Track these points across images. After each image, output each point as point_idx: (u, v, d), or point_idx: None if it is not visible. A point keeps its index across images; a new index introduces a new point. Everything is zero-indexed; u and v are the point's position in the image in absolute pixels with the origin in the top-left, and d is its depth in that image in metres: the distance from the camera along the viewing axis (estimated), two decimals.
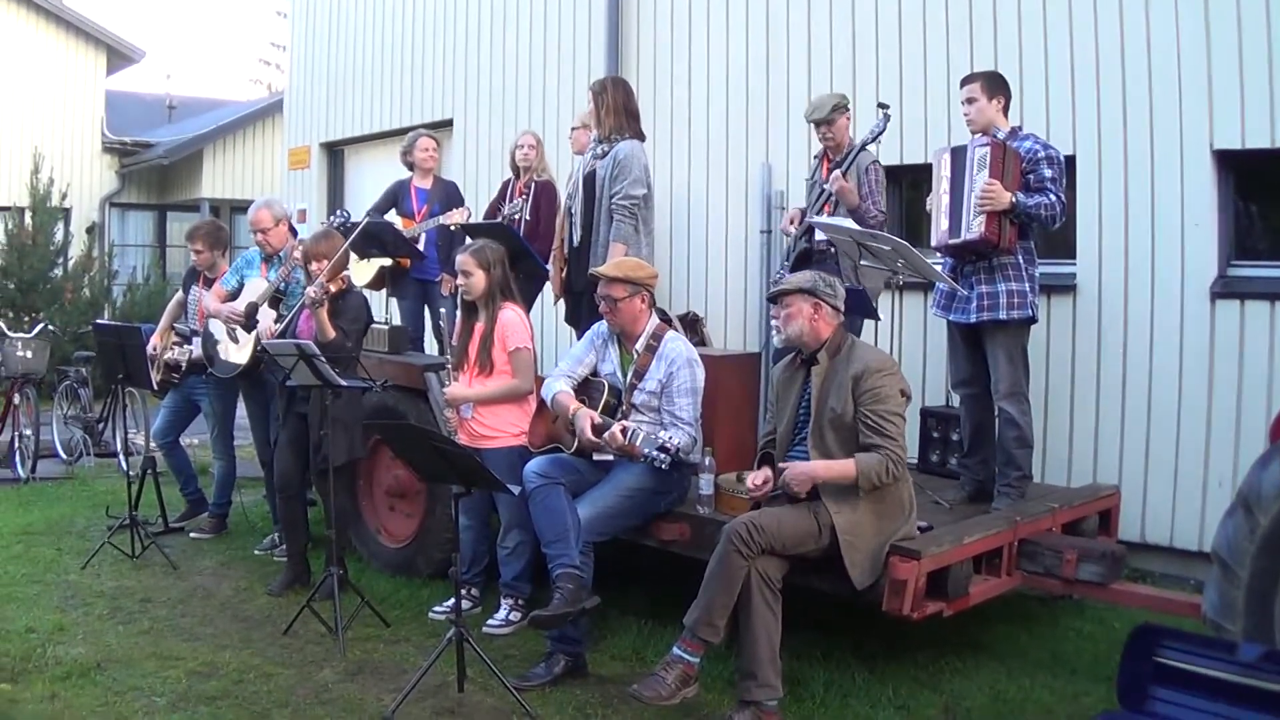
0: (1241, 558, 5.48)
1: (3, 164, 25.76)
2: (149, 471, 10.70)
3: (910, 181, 11.07)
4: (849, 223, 8.69)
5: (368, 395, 9.01)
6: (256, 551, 10.30)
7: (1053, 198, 7.85)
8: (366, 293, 10.19)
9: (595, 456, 7.68)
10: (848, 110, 9.42)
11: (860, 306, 8.49)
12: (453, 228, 10.83)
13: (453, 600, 7.08)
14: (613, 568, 7.90)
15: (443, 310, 9.00)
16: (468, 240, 9.04)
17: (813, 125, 9.43)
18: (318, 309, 8.74)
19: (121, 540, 9.99)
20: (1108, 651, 7.45)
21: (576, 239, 9.79)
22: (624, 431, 7.24)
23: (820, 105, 9.29)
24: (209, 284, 10.67)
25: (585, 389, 7.94)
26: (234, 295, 10.17)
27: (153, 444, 11.32)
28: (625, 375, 7.83)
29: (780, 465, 6.85)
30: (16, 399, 14.18)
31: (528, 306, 9.08)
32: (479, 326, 8.35)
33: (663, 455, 6.99)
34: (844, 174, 8.97)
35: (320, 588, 8.31)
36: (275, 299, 9.93)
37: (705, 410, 7.85)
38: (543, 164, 11.17)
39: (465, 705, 6.88)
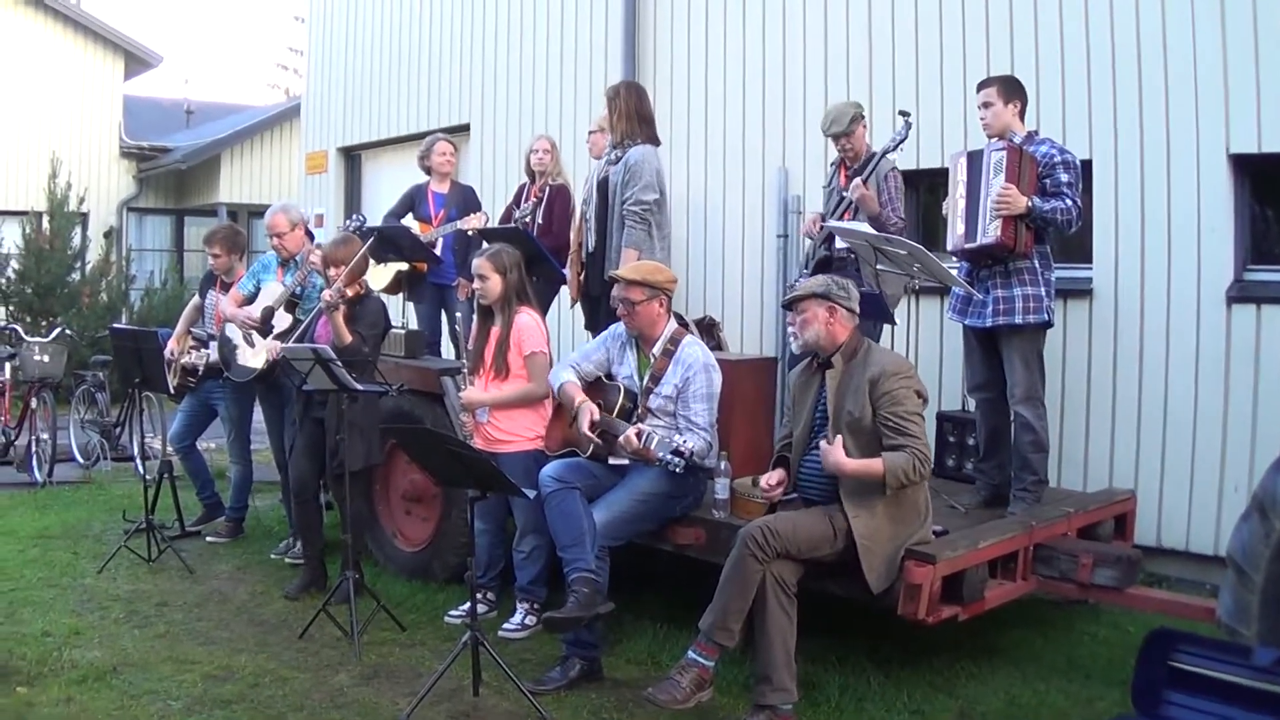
0: (1256, 562, 5.46)
1: (21, 168, 25.86)
2: (166, 475, 10.73)
3: (927, 186, 11.05)
4: (865, 226, 8.70)
5: (384, 400, 9.01)
6: (273, 556, 10.31)
7: (1069, 202, 7.84)
8: (384, 297, 10.19)
9: (611, 460, 7.69)
10: (864, 119, 9.43)
11: (876, 310, 8.49)
12: (470, 233, 10.83)
13: (468, 604, 7.06)
14: (628, 572, 7.91)
15: (459, 315, 9.01)
16: (484, 245, 9.05)
17: (831, 138, 9.44)
18: (334, 313, 8.76)
19: (138, 544, 10.01)
20: (1123, 656, 7.42)
21: (592, 244, 9.80)
22: (639, 435, 7.25)
23: (839, 118, 9.29)
24: (226, 288, 10.70)
25: (601, 391, 7.95)
26: (251, 299, 10.19)
27: (169, 448, 11.33)
28: (642, 379, 7.84)
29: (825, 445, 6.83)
30: (34, 403, 14.23)
31: (544, 311, 9.09)
32: (495, 331, 8.37)
33: (677, 459, 6.99)
34: (864, 181, 8.98)
35: (336, 592, 8.31)
36: (291, 303, 9.94)
37: (721, 414, 7.85)
38: (558, 168, 11.17)
39: (480, 709, 6.89)
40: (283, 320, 9.85)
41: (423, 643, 8.08)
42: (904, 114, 9.07)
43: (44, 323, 19.15)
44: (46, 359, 14.44)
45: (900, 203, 9.25)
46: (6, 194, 26.01)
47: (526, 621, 8.17)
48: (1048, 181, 7.91)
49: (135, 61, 29.28)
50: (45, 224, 21.24)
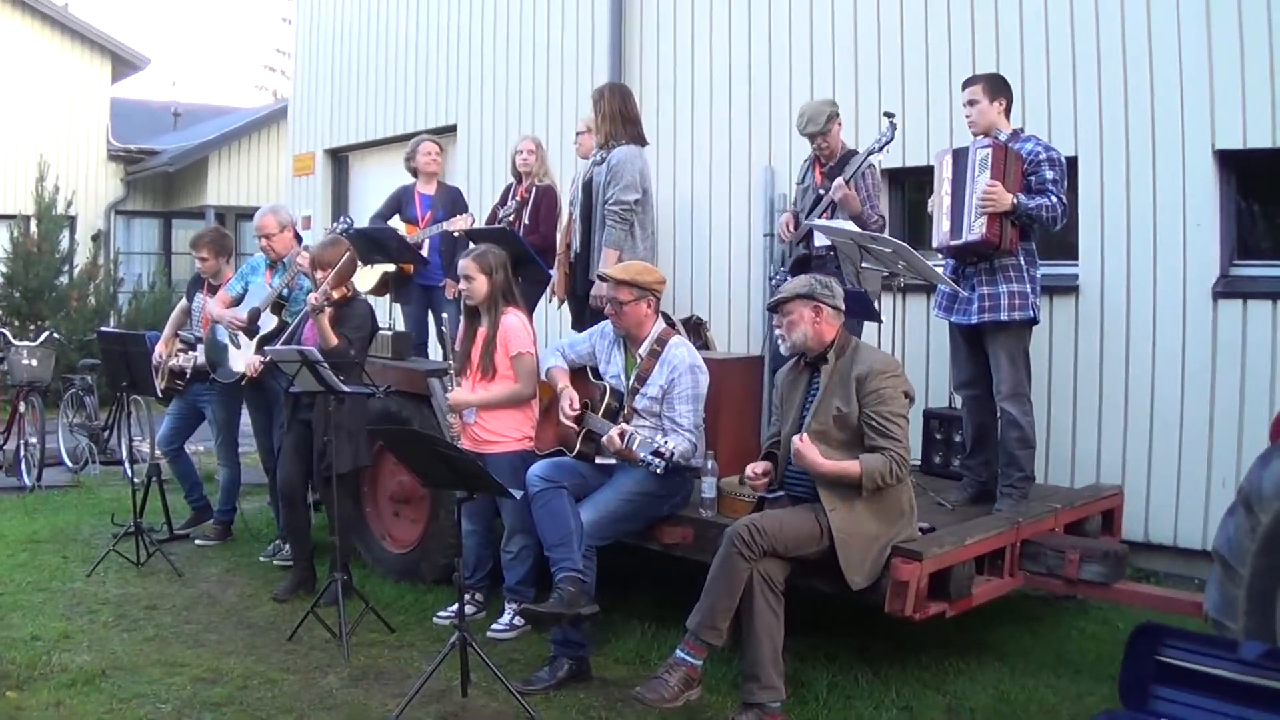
0: (1243, 556, 5.49)
1: (8, 172, 25.84)
2: (154, 479, 10.69)
3: (913, 183, 11.06)
4: (850, 225, 8.72)
5: (372, 401, 9.01)
6: (261, 558, 10.29)
7: (1054, 199, 7.85)
8: (371, 298, 10.19)
9: (598, 460, 7.69)
10: (840, 117, 9.45)
11: (861, 309, 8.50)
12: (456, 234, 10.83)
13: (457, 605, 7.06)
14: (616, 571, 7.92)
15: (446, 316, 8.99)
16: (471, 245, 9.05)
17: (807, 137, 9.46)
18: (319, 315, 8.76)
19: (127, 548, 9.99)
20: (1111, 651, 7.43)
21: (578, 244, 9.82)
22: (622, 435, 7.26)
23: (815, 117, 9.32)
24: (214, 291, 10.67)
25: (587, 390, 7.95)
26: (238, 301, 10.19)
27: (158, 451, 11.32)
28: (628, 379, 7.84)
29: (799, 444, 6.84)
30: (22, 407, 14.20)
31: (530, 311, 9.09)
32: (481, 331, 8.36)
33: (658, 460, 7.01)
34: (847, 181, 8.99)
35: (325, 594, 8.28)
36: (278, 305, 9.94)
37: (708, 413, 7.86)
38: (543, 168, 11.15)
39: (469, 710, 6.89)
40: (269, 322, 9.85)
41: (411, 644, 8.07)
42: (889, 115, 9.09)
43: (32, 326, 19.11)
44: (34, 363, 14.40)
45: (879, 199, 9.34)
46: None
47: (515, 622, 8.16)
48: (1033, 179, 7.91)
49: (122, 64, 29.26)
50: (33, 227, 21.22)
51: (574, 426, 7.74)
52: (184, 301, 11.40)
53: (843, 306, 7.06)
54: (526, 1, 15.06)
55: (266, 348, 9.13)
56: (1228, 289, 9.03)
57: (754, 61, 12.30)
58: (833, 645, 7.68)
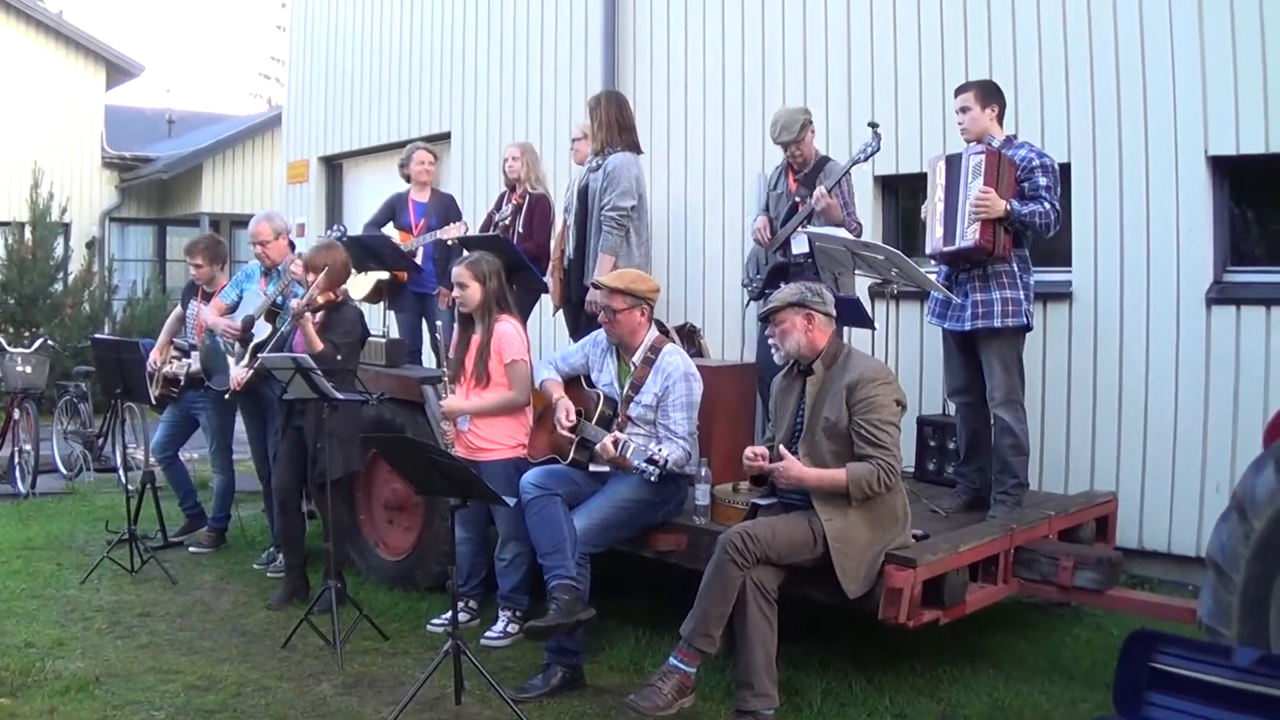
0: (1236, 562, 5.49)
1: (3, 179, 25.77)
2: (148, 486, 10.69)
3: (906, 190, 11.06)
4: (841, 232, 8.73)
5: (365, 408, 9.01)
6: (255, 566, 10.29)
7: (1047, 205, 7.86)
8: (364, 306, 10.18)
9: (591, 467, 7.69)
10: (813, 125, 9.48)
11: (854, 316, 8.51)
12: (450, 243, 10.82)
13: (450, 613, 7.06)
14: (609, 578, 7.91)
15: (440, 323, 8.99)
16: (465, 253, 9.05)
17: (780, 145, 9.48)
18: (302, 321, 8.76)
19: (121, 555, 9.98)
20: (1105, 658, 7.44)
21: (573, 251, 9.83)
22: (615, 443, 7.26)
23: (789, 125, 9.33)
24: (208, 298, 10.68)
25: (581, 398, 7.95)
26: (233, 309, 10.21)
27: (152, 458, 11.33)
28: (622, 387, 7.84)
29: (771, 466, 6.84)
30: (16, 414, 14.17)
31: (524, 319, 9.09)
32: (475, 339, 8.35)
33: (651, 468, 6.99)
34: (829, 191, 9.01)
35: (318, 601, 8.30)
36: (272, 313, 9.93)
37: (702, 421, 7.84)
38: (534, 175, 11.11)
39: (463, 717, 6.89)
40: (263, 330, 9.84)
41: (405, 651, 8.07)
42: (873, 126, 9.10)
43: (26, 333, 19.07)
44: (29, 370, 14.39)
45: (854, 205, 9.36)
46: None
47: (508, 630, 8.16)
48: (1026, 185, 7.93)
49: (117, 71, 29.22)
50: (27, 235, 21.21)
51: (570, 436, 7.73)
52: (178, 309, 11.39)
53: (834, 313, 7.08)
54: (520, 9, 15.08)
55: (260, 355, 9.12)
56: (1221, 295, 9.03)
57: (747, 69, 12.31)
58: (826, 652, 7.68)
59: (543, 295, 10.79)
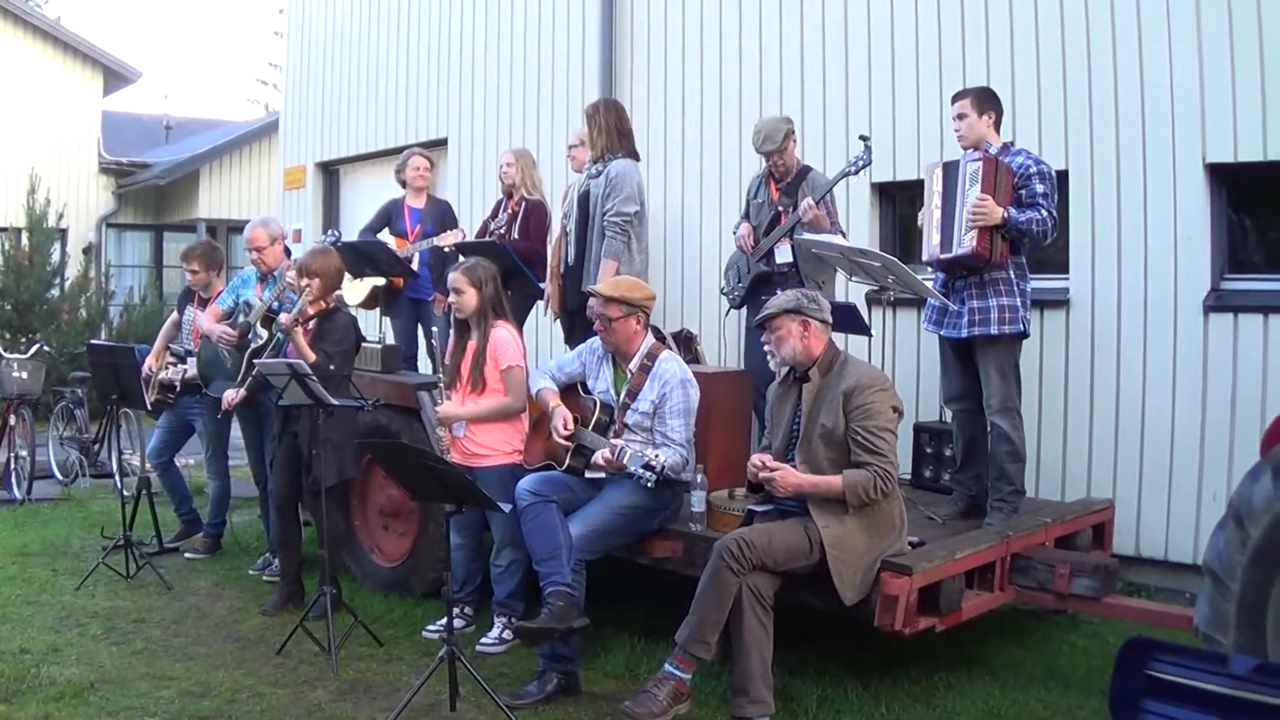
0: (1233, 570, 5.47)
1: None
2: (144, 492, 10.70)
3: (903, 197, 11.06)
4: (838, 239, 8.73)
5: (361, 414, 9.00)
6: (251, 571, 10.28)
7: (1044, 213, 7.85)
8: (360, 312, 10.17)
9: (587, 474, 7.68)
10: (794, 134, 9.53)
11: (851, 323, 8.51)
12: (446, 249, 10.82)
13: (446, 619, 7.05)
14: (605, 585, 7.91)
15: (435, 329, 8.98)
16: (460, 258, 9.05)
17: (763, 155, 9.49)
18: (294, 334, 8.75)
19: (116, 561, 9.97)
20: (1101, 665, 7.43)
21: (572, 257, 9.83)
22: (612, 449, 7.24)
23: (772, 134, 9.38)
24: (204, 304, 10.67)
25: (577, 404, 7.94)
26: (229, 315, 10.18)
27: (148, 464, 11.31)
28: (618, 394, 7.83)
29: (769, 472, 6.83)
30: (12, 420, 14.18)
31: (520, 324, 9.09)
32: (471, 345, 8.33)
33: (648, 474, 6.99)
34: (817, 202, 9.02)
35: (314, 607, 8.29)
36: (268, 318, 9.92)
37: (699, 427, 7.84)
38: (530, 181, 11.06)
39: None
40: (259, 336, 9.83)
41: (400, 658, 8.06)
42: (864, 139, 9.11)
43: (23, 339, 19.09)
44: (25, 375, 14.39)
45: (836, 213, 9.41)
46: None
47: (504, 636, 8.15)
48: (1023, 192, 7.92)
49: (114, 77, 29.24)
50: (24, 240, 21.21)
51: (567, 445, 7.72)
52: (174, 314, 11.38)
53: (830, 319, 7.07)
54: (517, 16, 15.08)
55: (255, 361, 9.11)
56: (1219, 303, 9.03)
57: (744, 75, 12.31)
58: (822, 659, 7.67)
59: (539, 301, 10.75)
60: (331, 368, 8.79)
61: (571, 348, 9.50)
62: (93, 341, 14.71)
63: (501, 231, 10.76)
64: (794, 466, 6.81)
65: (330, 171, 19.43)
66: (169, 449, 11.26)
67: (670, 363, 7.73)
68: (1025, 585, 7.56)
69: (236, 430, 10.79)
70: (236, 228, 27.14)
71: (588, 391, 8.04)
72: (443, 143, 16.14)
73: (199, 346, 10.48)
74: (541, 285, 10.40)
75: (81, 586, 9.70)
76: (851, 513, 6.64)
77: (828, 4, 11.51)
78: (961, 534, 7.69)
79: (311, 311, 8.93)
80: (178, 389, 10.83)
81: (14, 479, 13.90)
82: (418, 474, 6.97)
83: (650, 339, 7.90)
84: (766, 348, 7.21)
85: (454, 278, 8.36)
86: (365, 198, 17.25)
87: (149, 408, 10.99)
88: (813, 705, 7.01)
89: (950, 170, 8.10)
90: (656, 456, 7.07)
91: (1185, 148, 9.12)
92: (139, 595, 9.57)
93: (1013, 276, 8.01)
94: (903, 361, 10.12)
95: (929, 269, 8.55)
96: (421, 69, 16.83)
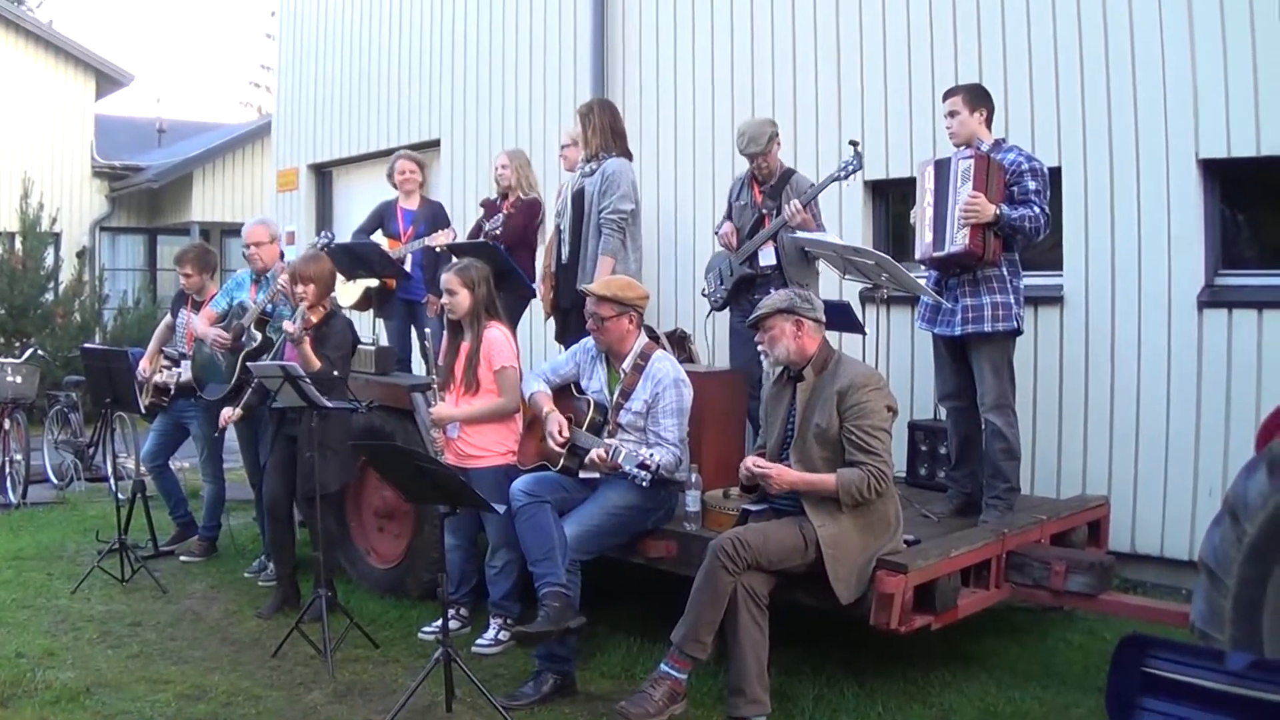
0: (1228, 566, 5.47)
1: None
2: (139, 495, 10.66)
3: (896, 195, 11.05)
4: (832, 237, 8.74)
5: (355, 417, 8.99)
6: (246, 574, 10.27)
7: (1037, 210, 7.85)
8: (353, 314, 10.17)
9: (581, 474, 7.67)
10: (779, 136, 9.51)
11: (844, 321, 8.51)
12: (438, 249, 10.80)
13: (441, 620, 7.05)
14: (601, 585, 7.90)
15: (428, 330, 8.97)
16: (453, 260, 9.04)
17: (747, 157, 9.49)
18: (300, 344, 8.73)
19: (111, 564, 9.95)
20: (1098, 662, 7.43)
21: (565, 256, 9.83)
22: (607, 449, 7.24)
23: (756, 137, 9.35)
24: (198, 307, 10.67)
25: (571, 405, 7.93)
26: (224, 318, 10.18)
27: (142, 468, 11.29)
28: (612, 394, 7.82)
29: (762, 470, 6.83)
30: (7, 424, 14.14)
31: (513, 325, 9.08)
32: (464, 346, 8.34)
33: (643, 473, 7.00)
34: (805, 206, 9.03)
35: (309, 610, 8.26)
36: (262, 321, 9.92)
37: (692, 427, 7.83)
38: (526, 182, 11.02)
39: None
40: (253, 339, 9.84)
41: (396, 659, 8.05)
42: (854, 144, 9.10)
43: (17, 344, 19.07)
44: (19, 380, 14.35)
45: (820, 215, 9.38)
46: None
47: (499, 637, 8.14)
48: (1015, 189, 7.92)
49: (107, 80, 29.22)
50: (17, 244, 21.19)
51: (562, 449, 7.71)
52: (168, 318, 11.36)
53: (824, 319, 7.07)
54: (509, 17, 15.07)
55: (250, 364, 9.10)
56: (1213, 299, 9.03)
57: (736, 75, 12.31)
58: (818, 658, 7.66)
59: (532, 301, 10.74)
60: (335, 373, 8.79)
61: (564, 346, 9.51)
62: (87, 345, 14.66)
63: (497, 232, 10.73)
64: (788, 466, 6.81)
65: (323, 173, 19.41)
66: (164, 452, 11.25)
67: (663, 362, 7.72)
68: (1021, 583, 7.56)
69: (232, 433, 10.77)
70: (230, 231, 27.27)
71: (581, 391, 8.04)
72: (435, 144, 16.14)
73: (193, 350, 10.47)
74: (535, 286, 10.39)
75: (77, 590, 9.69)
76: (847, 511, 6.63)
77: (819, 3, 11.51)
78: (957, 532, 7.69)
79: (314, 319, 8.92)
80: (172, 392, 10.81)
81: (9, 483, 13.88)
82: (412, 475, 6.97)
83: (643, 338, 7.89)
84: (760, 347, 7.21)
85: (447, 279, 8.35)
86: (358, 199, 17.24)
87: (143, 411, 11.00)
88: (809, 704, 7.00)
89: (942, 168, 8.10)
90: (651, 455, 7.07)
91: (1178, 143, 9.12)
92: (134, 599, 9.56)
93: (1006, 274, 8.01)
94: (897, 359, 10.12)
95: (922, 267, 8.55)
96: (413, 70, 16.82)
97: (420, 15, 16.72)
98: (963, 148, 8.15)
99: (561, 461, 7.70)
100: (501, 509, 7.24)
